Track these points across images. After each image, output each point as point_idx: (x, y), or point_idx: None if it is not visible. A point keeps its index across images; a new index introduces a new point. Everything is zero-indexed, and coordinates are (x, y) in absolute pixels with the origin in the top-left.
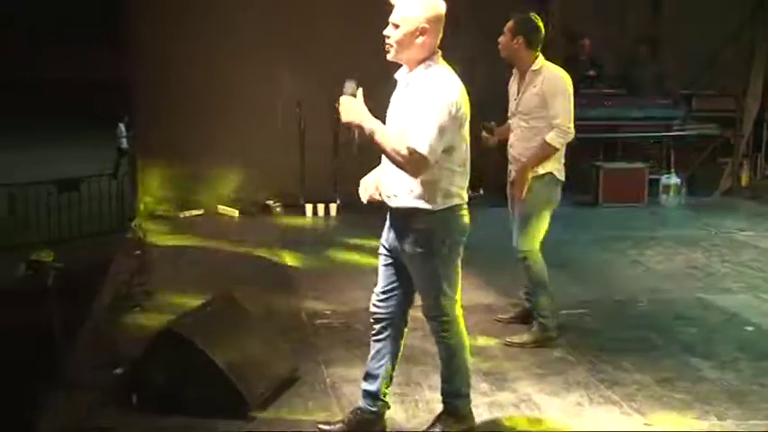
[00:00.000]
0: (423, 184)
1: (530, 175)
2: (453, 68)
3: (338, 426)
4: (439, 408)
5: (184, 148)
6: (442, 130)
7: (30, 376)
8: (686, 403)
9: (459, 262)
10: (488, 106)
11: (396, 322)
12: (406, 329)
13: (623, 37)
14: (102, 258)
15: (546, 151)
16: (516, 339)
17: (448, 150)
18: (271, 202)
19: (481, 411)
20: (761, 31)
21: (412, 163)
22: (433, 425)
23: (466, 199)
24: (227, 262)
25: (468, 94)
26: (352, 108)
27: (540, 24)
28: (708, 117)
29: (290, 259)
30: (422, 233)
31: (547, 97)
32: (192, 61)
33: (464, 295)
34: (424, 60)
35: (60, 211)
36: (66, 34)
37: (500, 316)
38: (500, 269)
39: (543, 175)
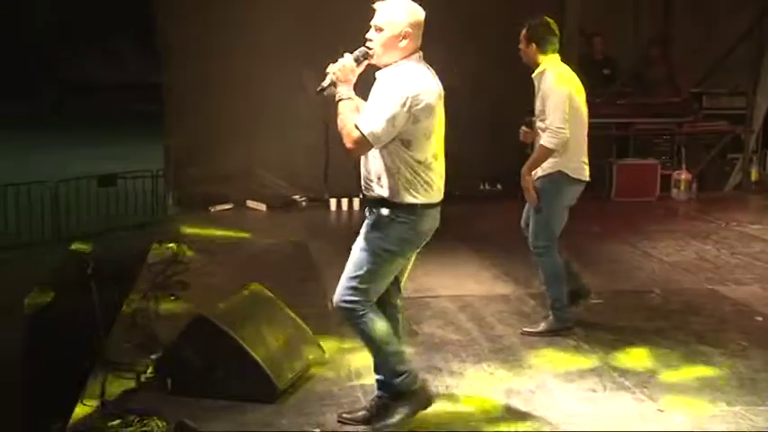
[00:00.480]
0: (389, 175)
1: (529, 178)
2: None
3: (360, 414)
4: (458, 392)
5: (216, 146)
6: (390, 119)
7: (73, 359)
8: (697, 390)
9: (398, 268)
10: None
11: (386, 310)
12: (399, 316)
13: (636, 37)
14: (138, 249)
15: (541, 153)
16: (532, 329)
17: (407, 143)
18: (297, 197)
19: (498, 396)
20: None
21: (352, 139)
22: (389, 414)
23: (435, 199)
24: (257, 253)
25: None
26: (346, 68)
27: (554, 28)
28: (718, 114)
29: (315, 250)
30: (382, 220)
31: (544, 99)
32: (224, 67)
33: (483, 286)
34: (400, 61)
35: (99, 205)
36: (110, 42)
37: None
38: (516, 260)
39: (551, 173)
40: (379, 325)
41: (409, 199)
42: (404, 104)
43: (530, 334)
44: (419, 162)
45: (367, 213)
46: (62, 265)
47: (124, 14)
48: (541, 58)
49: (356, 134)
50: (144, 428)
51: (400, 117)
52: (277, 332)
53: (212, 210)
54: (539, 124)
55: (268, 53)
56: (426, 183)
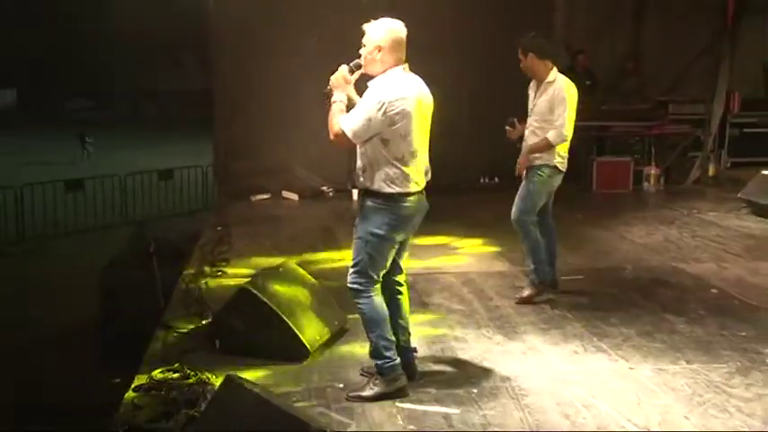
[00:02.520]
0: (370, 168)
1: (527, 159)
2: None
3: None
4: (461, 353)
5: (256, 144)
6: (366, 120)
7: (138, 324)
8: (662, 351)
9: (390, 248)
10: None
11: (386, 284)
12: (402, 289)
13: (612, 53)
14: (191, 232)
15: (543, 145)
16: (521, 295)
17: (384, 142)
18: (324, 188)
19: (495, 357)
20: (724, 50)
21: (334, 133)
22: (366, 384)
23: (413, 189)
24: (291, 234)
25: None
26: (340, 78)
27: (543, 38)
28: (682, 119)
29: (340, 234)
30: (367, 208)
31: (554, 104)
32: (264, 77)
33: (482, 264)
34: (385, 72)
35: (159, 194)
36: (168, 56)
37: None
38: (511, 242)
39: (540, 165)
40: (379, 310)
41: (387, 189)
42: (380, 109)
43: (521, 300)
44: (397, 158)
45: (359, 202)
46: (129, 244)
47: (187, 32)
48: (541, 65)
49: (337, 128)
50: (197, 381)
51: (376, 119)
52: (307, 302)
53: (253, 199)
54: (533, 122)
55: (300, 66)
56: (404, 175)
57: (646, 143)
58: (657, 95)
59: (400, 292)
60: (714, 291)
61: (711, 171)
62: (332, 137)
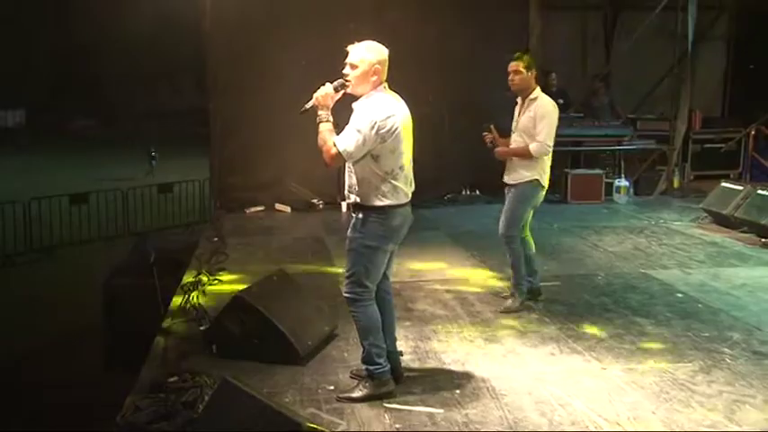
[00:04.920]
0: (361, 184)
1: (513, 159)
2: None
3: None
4: (444, 356)
5: (251, 160)
6: (361, 140)
7: (139, 330)
8: (632, 352)
9: (383, 258)
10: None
11: (379, 294)
12: (388, 296)
13: (584, 74)
14: (189, 242)
15: (523, 153)
16: (505, 309)
17: (375, 158)
18: (315, 201)
19: (477, 360)
20: (686, 71)
21: (330, 155)
22: (355, 386)
23: (402, 201)
24: (284, 245)
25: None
26: (327, 95)
27: None
28: (648, 135)
29: (330, 244)
30: (360, 221)
31: (536, 119)
32: (257, 97)
33: (465, 272)
34: (371, 91)
35: (159, 207)
36: (167, 78)
37: (504, 295)
38: (492, 252)
39: (531, 180)
40: (373, 319)
41: (378, 202)
42: (372, 128)
43: (505, 312)
44: (386, 173)
45: (351, 216)
46: (131, 254)
47: (184, 56)
48: (534, 82)
49: (334, 151)
50: (195, 384)
51: (369, 138)
52: (299, 308)
53: (247, 211)
54: (518, 138)
55: (291, 86)
56: (393, 188)
57: (616, 157)
58: (626, 113)
59: (387, 300)
60: (679, 295)
61: (676, 183)
62: (327, 158)
